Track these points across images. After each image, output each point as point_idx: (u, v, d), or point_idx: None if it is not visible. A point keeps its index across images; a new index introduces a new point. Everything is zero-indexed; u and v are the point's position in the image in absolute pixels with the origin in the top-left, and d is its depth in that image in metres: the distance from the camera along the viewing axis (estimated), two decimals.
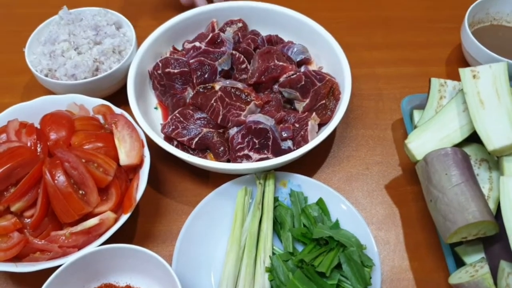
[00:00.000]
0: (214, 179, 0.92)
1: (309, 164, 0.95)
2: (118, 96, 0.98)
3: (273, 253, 0.82)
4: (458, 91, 0.92)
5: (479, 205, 0.75)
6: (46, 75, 0.97)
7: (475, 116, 0.83)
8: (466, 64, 1.09)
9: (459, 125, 0.87)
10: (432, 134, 0.87)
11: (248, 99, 0.91)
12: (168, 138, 0.91)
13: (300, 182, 0.90)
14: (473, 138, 0.86)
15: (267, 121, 0.89)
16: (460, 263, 0.80)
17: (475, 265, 0.76)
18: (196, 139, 0.90)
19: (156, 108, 1.00)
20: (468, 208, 0.74)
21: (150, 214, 0.90)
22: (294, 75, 0.94)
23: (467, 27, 1.03)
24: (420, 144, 0.87)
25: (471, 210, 0.74)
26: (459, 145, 0.85)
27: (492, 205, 0.80)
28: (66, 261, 0.73)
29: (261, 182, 0.88)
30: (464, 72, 0.88)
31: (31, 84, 1.07)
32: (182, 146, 0.91)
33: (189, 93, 0.96)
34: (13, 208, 0.76)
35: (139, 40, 1.02)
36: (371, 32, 1.18)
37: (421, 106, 0.96)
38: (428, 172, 0.81)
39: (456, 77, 0.94)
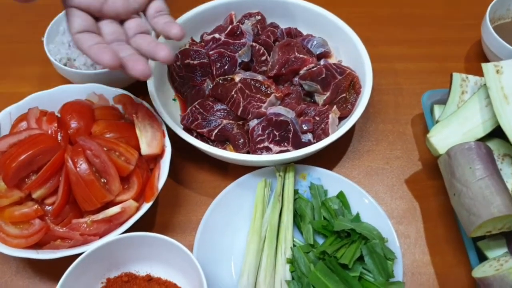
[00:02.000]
0: (233, 171, 0.92)
1: (328, 158, 0.94)
2: (138, 87, 0.98)
3: (294, 245, 0.81)
4: (480, 86, 0.92)
5: (505, 199, 0.74)
6: (65, 65, 0.96)
7: (499, 110, 0.83)
8: (485, 60, 1.08)
9: (482, 120, 0.86)
10: (454, 129, 0.86)
11: (268, 91, 0.91)
12: (188, 130, 0.91)
13: (320, 175, 0.89)
14: (496, 133, 0.85)
15: (287, 114, 0.88)
16: (481, 258, 0.79)
17: (499, 259, 0.75)
18: (216, 131, 0.90)
19: (174, 100, 1.00)
20: (493, 202, 0.74)
21: (169, 204, 0.90)
22: (315, 68, 0.93)
23: (489, 23, 1.02)
24: (442, 138, 0.86)
25: (496, 204, 0.73)
26: (482, 140, 0.85)
27: None
28: (87, 249, 0.72)
29: (281, 174, 0.88)
30: (487, 67, 0.87)
31: (49, 74, 1.06)
32: (201, 137, 0.91)
33: (208, 84, 0.95)
34: (34, 195, 0.75)
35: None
36: (391, 28, 1.18)
37: (442, 101, 0.96)
38: (451, 166, 0.80)
39: (476, 73, 0.93)
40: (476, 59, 1.11)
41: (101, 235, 0.76)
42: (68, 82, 1.00)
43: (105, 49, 0.68)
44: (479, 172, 0.77)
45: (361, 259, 0.78)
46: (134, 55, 0.70)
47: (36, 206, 0.75)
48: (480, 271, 0.74)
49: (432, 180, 0.92)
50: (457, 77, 0.94)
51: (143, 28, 0.76)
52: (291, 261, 0.78)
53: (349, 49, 1.00)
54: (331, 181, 0.88)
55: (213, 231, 0.83)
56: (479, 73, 0.89)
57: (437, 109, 0.95)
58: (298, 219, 0.85)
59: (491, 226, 0.75)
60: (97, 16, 0.73)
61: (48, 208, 0.76)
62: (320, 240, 0.83)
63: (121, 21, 0.76)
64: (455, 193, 0.79)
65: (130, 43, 0.74)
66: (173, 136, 0.87)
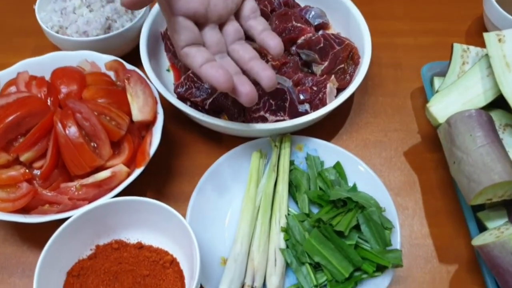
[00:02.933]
0: (227, 142, 0.90)
1: (326, 130, 0.92)
2: (130, 57, 0.96)
3: (289, 214, 0.79)
4: (481, 57, 0.90)
5: (505, 165, 0.72)
6: (57, 32, 0.94)
7: (501, 79, 0.81)
8: None
9: (483, 89, 0.84)
10: (454, 98, 0.84)
11: (265, 60, 0.88)
12: (181, 99, 0.89)
13: (317, 146, 0.87)
14: (497, 104, 0.84)
15: (284, 82, 0.86)
16: (481, 230, 0.77)
17: (500, 228, 0.73)
18: (210, 100, 0.87)
19: (168, 70, 0.98)
20: (494, 169, 0.72)
21: (162, 175, 0.88)
22: (313, 37, 0.91)
23: None
24: (442, 107, 0.84)
25: (497, 170, 0.71)
26: (483, 109, 0.83)
27: None
28: (76, 213, 0.70)
29: (277, 145, 0.86)
30: (489, 36, 0.85)
31: (42, 44, 1.04)
32: (195, 107, 0.89)
33: None
34: (22, 158, 0.73)
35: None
36: (391, 2, 1.15)
37: (442, 74, 0.94)
38: (452, 134, 0.78)
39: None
40: (478, 34, 1.09)
41: (90, 200, 0.74)
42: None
43: (218, 69, 0.65)
44: (479, 139, 0.75)
45: (357, 228, 0.76)
46: (241, 77, 0.69)
47: (23, 170, 0.73)
48: (480, 240, 0.72)
49: (431, 153, 0.90)
50: (458, 47, 0.92)
51: (240, 34, 0.74)
52: (286, 230, 0.76)
53: (347, 21, 0.98)
54: (328, 152, 0.86)
55: (206, 200, 0.80)
56: (481, 47, 0.87)
57: (437, 81, 0.93)
58: (293, 189, 0.83)
59: (491, 193, 0.73)
60: (201, 22, 0.70)
61: (36, 172, 0.74)
62: (316, 211, 0.81)
63: (220, 25, 0.74)
64: (455, 161, 0.76)
65: (229, 52, 0.73)
66: (167, 107, 0.85)
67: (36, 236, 0.79)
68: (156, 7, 0.97)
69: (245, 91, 0.68)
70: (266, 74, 0.70)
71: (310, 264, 0.73)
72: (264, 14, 0.96)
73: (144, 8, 0.97)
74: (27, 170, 0.73)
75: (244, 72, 0.86)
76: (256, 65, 0.71)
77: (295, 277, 0.74)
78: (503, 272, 0.68)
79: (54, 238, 0.68)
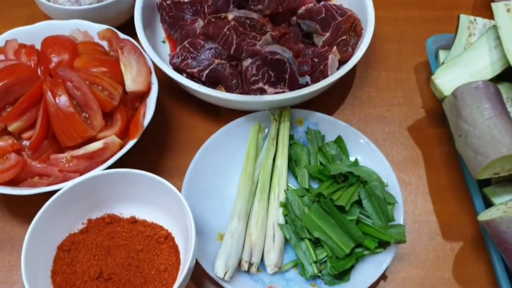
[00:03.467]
0: (225, 116, 0.86)
1: (327, 104, 0.89)
2: (124, 28, 0.91)
3: (288, 189, 0.76)
4: (489, 28, 0.86)
5: None
6: (48, 1, 0.90)
7: (510, 49, 0.78)
8: None
9: (490, 61, 0.81)
10: (461, 70, 0.81)
11: (264, 30, 0.85)
12: (177, 70, 0.85)
13: (318, 120, 0.84)
14: (505, 76, 0.81)
15: (284, 52, 0.83)
16: (487, 206, 0.74)
17: (507, 203, 0.70)
18: (207, 71, 0.84)
19: (164, 42, 0.94)
20: (502, 141, 0.69)
21: (157, 149, 0.85)
22: (315, 7, 0.88)
23: None
24: (448, 79, 0.81)
25: (505, 142, 0.69)
26: None
27: None
28: (67, 185, 0.67)
29: (276, 118, 0.83)
30: (497, 6, 0.82)
31: (34, 14, 1.00)
32: (191, 78, 0.85)
33: (200, 24, 0.90)
34: (10, 128, 0.70)
35: None
36: None
37: (447, 47, 0.90)
38: (458, 107, 0.75)
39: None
40: (484, 8, 1.05)
41: (81, 172, 0.71)
42: None
43: None
44: (487, 111, 0.72)
45: (359, 204, 0.73)
46: None
47: (12, 140, 0.70)
48: (487, 215, 0.69)
49: (435, 128, 0.87)
50: (464, 18, 0.88)
51: None
52: (285, 205, 0.74)
53: None
54: (329, 126, 0.83)
55: (203, 174, 0.78)
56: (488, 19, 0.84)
57: (442, 54, 0.90)
58: (293, 164, 0.81)
59: (499, 167, 0.70)
60: None
61: (25, 142, 0.72)
62: (316, 186, 0.78)
63: None
64: (461, 134, 0.74)
65: None
66: (162, 79, 0.82)
67: (25, 210, 0.76)
68: None
69: None
70: None
71: (309, 239, 0.71)
72: None
73: None
74: (15, 141, 0.70)
75: (241, 43, 0.83)
76: None
77: (294, 253, 0.71)
78: (510, 248, 0.65)
79: (43, 211, 0.65)
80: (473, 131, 0.72)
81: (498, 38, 0.81)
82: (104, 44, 0.84)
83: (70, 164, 0.70)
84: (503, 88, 0.81)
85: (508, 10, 0.81)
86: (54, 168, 0.69)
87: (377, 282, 0.71)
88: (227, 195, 0.78)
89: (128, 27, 0.91)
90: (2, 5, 1.05)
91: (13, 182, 0.71)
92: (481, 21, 0.88)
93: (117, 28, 0.92)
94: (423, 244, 0.76)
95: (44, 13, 0.95)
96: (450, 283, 0.72)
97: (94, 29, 0.85)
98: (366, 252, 0.70)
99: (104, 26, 0.84)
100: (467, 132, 0.73)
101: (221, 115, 0.88)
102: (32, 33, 0.84)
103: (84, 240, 0.69)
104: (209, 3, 0.89)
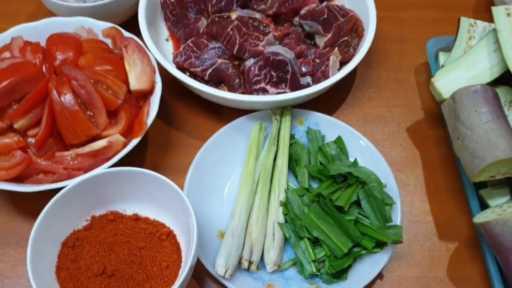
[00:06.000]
0: (227, 115, 0.88)
1: (328, 104, 0.90)
2: (128, 25, 0.93)
3: (288, 188, 0.78)
4: (489, 31, 0.87)
5: (510, 142, 0.70)
6: None
7: (509, 54, 0.79)
8: None
9: (489, 65, 0.82)
10: (460, 73, 0.82)
11: (267, 30, 0.86)
12: (180, 69, 0.86)
13: (318, 120, 0.85)
14: (503, 80, 0.82)
15: (286, 53, 0.84)
16: (483, 208, 0.76)
17: (502, 205, 0.72)
18: (210, 70, 0.85)
19: (167, 40, 0.95)
20: (498, 145, 0.70)
21: (160, 147, 0.86)
22: (317, 8, 0.88)
23: None
24: (447, 82, 0.82)
25: (502, 147, 0.70)
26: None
27: None
28: (71, 183, 0.69)
29: (277, 118, 0.84)
30: (497, 10, 0.83)
31: (37, 11, 1.01)
32: (194, 77, 0.86)
33: (203, 23, 0.91)
34: (16, 125, 0.71)
35: None
36: None
37: (447, 49, 0.91)
38: (456, 110, 0.76)
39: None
40: (485, 10, 1.06)
41: (86, 170, 0.72)
42: None
43: None
44: (484, 115, 0.73)
45: (357, 204, 0.75)
46: None
47: (17, 137, 0.71)
48: (482, 217, 0.71)
49: (434, 130, 0.89)
50: (465, 21, 0.89)
51: None
52: (284, 204, 0.75)
53: None
54: (330, 126, 0.85)
55: (204, 172, 0.79)
56: (488, 22, 0.85)
57: (442, 56, 0.91)
58: (293, 163, 0.82)
59: (495, 170, 0.71)
60: None
61: (30, 140, 0.73)
62: (315, 186, 0.80)
63: None
64: (459, 137, 0.75)
65: None
66: (166, 77, 0.83)
67: (30, 206, 0.78)
68: None
69: None
70: None
71: (308, 239, 0.72)
72: None
73: None
74: (21, 138, 0.71)
75: (244, 43, 0.84)
76: None
77: (294, 252, 0.73)
78: (504, 251, 0.67)
79: (48, 208, 0.66)
80: (471, 135, 0.73)
81: (497, 41, 0.82)
82: (108, 42, 0.85)
83: (75, 162, 0.71)
84: (501, 91, 0.82)
85: (508, 15, 0.82)
86: (59, 165, 0.71)
87: (373, 281, 0.73)
88: (228, 193, 0.80)
89: (131, 24, 0.92)
90: (6, 1, 1.05)
91: (18, 179, 0.72)
92: (481, 24, 0.89)
93: (120, 25, 0.93)
94: (420, 244, 0.77)
95: (48, 9, 0.95)
96: (444, 282, 0.74)
97: (99, 27, 0.85)
98: (363, 251, 0.72)
99: (108, 24, 0.85)
100: (464, 135, 0.74)
101: (224, 113, 0.89)
102: (37, 30, 0.85)
103: (88, 236, 0.70)
104: (213, 2, 0.89)
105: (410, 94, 0.93)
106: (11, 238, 0.77)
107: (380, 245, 0.72)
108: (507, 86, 0.83)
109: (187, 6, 0.91)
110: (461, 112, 0.75)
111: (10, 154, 0.71)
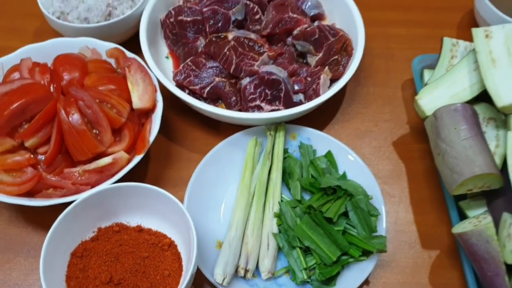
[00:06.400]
0: (224, 130, 0.93)
1: (319, 119, 0.96)
2: (130, 44, 0.98)
3: (282, 200, 0.83)
4: (470, 51, 0.93)
5: (486, 158, 0.76)
6: (58, 18, 0.96)
7: (486, 74, 0.84)
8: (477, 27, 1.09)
9: (469, 83, 0.88)
10: (442, 91, 0.88)
11: (261, 50, 0.91)
12: (180, 86, 0.92)
13: (310, 135, 0.91)
14: (482, 97, 0.87)
15: (280, 73, 0.89)
16: (462, 218, 0.82)
17: (479, 217, 0.78)
18: (208, 88, 0.90)
19: (167, 57, 1.00)
20: (475, 161, 0.76)
21: (161, 161, 0.91)
22: (309, 28, 0.94)
23: None
24: (430, 100, 0.87)
25: (478, 163, 0.76)
26: (468, 103, 0.86)
27: (497, 161, 0.81)
28: (79, 197, 0.74)
29: (272, 133, 0.89)
30: (476, 31, 0.88)
31: (42, 28, 1.06)
32: (193, 95, 0.92)
33: (201, 42, 0.96)
34: (27, 144, 0.76)
35: None
36: None
37: (432, 66, 0.97)
38: (437, 127, 0.82)
39: (467, 40, 0.94)
40: (469, 27, 1.10)
41: (92, 185, 0.77)
42: (61, 36, 0.99)
43: None
44: (463, 132, 0.79)
45: (346, 215, 0.80)
46: None
47: (28, 155, 0.76)
48: (460, 228, 0.77)
49: (418, 144, 0.94)
50: (447, 41, 0.95)
51: None
52: (278, 215, 0.81)
53: (343, 12, 1.01)
54: (320, 141, 0.90)
55: (203, 185, 0.84)
56: (471, 40, 0.90)
57: (426, 74, 0.96)
58: (287, 176, 0.87)
59: (472, 184, 0.77)
60: None
61: (40, 157, 0.78)
62: (307, 197, 0.85)
63: None
64: (440, 153, 0.81)
65: None
66: (166, 94, 0.88)
67: (40, 219, 0.83)
68: None
69: None
70: None
71: (300, 248, 0.78)
72: (261, 4, 0.98)
73: None
74: (32, 156, 0.76)
75: (240, 63, 0.89)
76: None
77: (286, 260, 0.78)
78: (479, 259, 0.73)
79: (58, 222, 0.71)
80: (450, 151, 0.79)
81: (477, 61, 0.87)
82: (112, 61, 0.90)
83: (82, 178, 0.76)
84: (480, 108, 0.88)
85: (487, 36, 0.88)
86: (67, 181, 0.76)
87: (360, 287, 0.78)
88: (226, 205, 0.85)
89: (133, 42, 0.97)
90: (11, 17, 1.10)
91: (29, 193, 0.77)
92: (462, 44, 0.95)
93: (122, 43, 0.98)
94: (404, 252, 0.83)
95: (53, 28, 1.00)
96: None
97: (102, 47, 0.90)
98: (351, 259, 0.77)
99: (112, 45, 0.90)
100: (444, 151, 0.79)
101: (221, 129, 0.94)
102: (44, 50, 0.90)
103: (95, 247, 0.76)
104: (210, 23, 0.94)
105: (396, 109, 0.99)
106: (22, 248, 0.81)
107: (366, 253, 0.78)
108: (486, 103, 0.88)
109: (186, 26, 0.96)
110: (442, 129, 0.81)
111: (22, 171, 0.76)
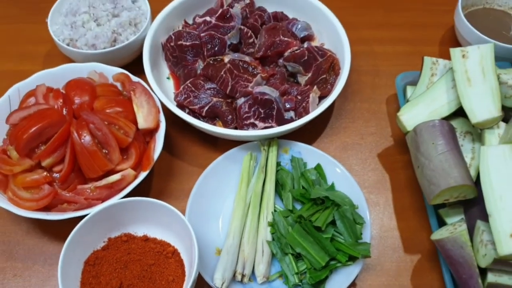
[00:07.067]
0: (222, 145, 1.01)
1: (309, 134, 1.03)
2: (134, 66, 1.06)
3: (275, 210, 0.91)
4: (448, 69, 1.00)
5: (461, 171, 0.83)
6: (68, 45, 1.04)
7: (462, 92, 0.91)
8: (458, 44, 1.16)
9: (447, 100, 0.95)
10: (422, 108, 0.95)
11: (255, 72, 0.99)
12: (181, 106, 0.99)
13: (301, 149, 0.98)
14: (460, 113, 0.93)
15: (272, 93, 0.97)
16: (442, 225, 0.89)
17: (455, 224, 0.85)
18: (206, 108, 0.98)
19: (168, 78, 1.08)
20: (450, 174, 0.83)
21: (164, 174, 0.99)
22: (298, 50, 1.01)
23: (460, 10, 1.10)
24: (411, 116, 0.95)
25: (453, 175, 0.83)
26: (447, 118, 0.93)
27: (473, 172, 0.89)
28: (91, 211, 0.81)
29: (265, 148, 0.97)
30: (454, 51, 0.95)
31: (52, 53, 1.14)
32: (193, 114, 0.99)
33: (200, 64, 1.04)
34: (43, 163, 0.84)
35: (153, 14, 1.09)
36: (372, 12, 1.25)
37: (414, 83, 1.04)
38: (417, 142, 0.89)
39: (448, 57, 1.00)
40: (450, 43, 1.19)
41: (103, 200, 0.85)
42: (70, 60, 1.08)
43: None
44: (440, 147, 0.86)
45: (333, 223, 0.88)
46: None
47: (45, 173, 0.84)
48: (438, 234, 0.84)
49: (401, 155, 1.02)
50: (427, 60, 1.02)
51: None
52: (272, 224, 0.88)
53: (331, 32, 1.08)
54: (310, 154, 0.98)
55: (203, 197, 0.92)
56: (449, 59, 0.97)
57: (409, 90, 1.03)
58: (279, 188, 0.95)
59: (448, 195, 0.84)
60: None
61: (56, 175, 0.86)
62: (299, 207, 0.93)
63: None
64: (419, 165, 0.88)
65: None
66: (168, 112, 0.96)
67: (55, 230, 0.91)
68: (157, 20, 1.06)
69: None
70: None
71: (292, 254, 0.85)
72: (254, 28, 1.06)
73: (147, 21, 1.06)
74: (48, 174, 0.84)
75: (235, 85, 0.97)
76: None
77: (280, 266, 0.86)
78: (454, 263, 0.80)
79: (73, 234, 0.79)
80: (428, 164, 0.86)
81: (454, 79, 0.94)
82: (118, 84, 0.98)
83: (94, 193, 0.84)
84: (458, 123, 0.95)
85: (463, 56, 0.95)
86: (80, 196, 0.84)
87: None
88: (224, 214, 0.93)
89: (136, 64, 1.05)
90: (23, 42, 1.18)
91: (46, 208, 0.85)
92: (442, 62, 1.02)
93: (127, 65, 1.06)
94: (388, 257, 0.90)
95: (60, 52, 1.08)
96: None
97: (109, 71, 0.98)
98: (338, 264, 0.85)
99: (118, 70, 0.98)
100: (423, 165, 0.87)
101: (219, 144, 1.02)
102: (56, 75, 0.97)
103: (105, 256, 0.83)
104: (208, 47, 1.02)
105: (381, 123, 1.06)
106: (39, 256, 0.89)
107: (353, 258, 0.85)
108: (463, 117, 0.95)
109: (185, 49, 1.04)
110: (421, 144, 0.88)
111: (39, 188, 0.84)
